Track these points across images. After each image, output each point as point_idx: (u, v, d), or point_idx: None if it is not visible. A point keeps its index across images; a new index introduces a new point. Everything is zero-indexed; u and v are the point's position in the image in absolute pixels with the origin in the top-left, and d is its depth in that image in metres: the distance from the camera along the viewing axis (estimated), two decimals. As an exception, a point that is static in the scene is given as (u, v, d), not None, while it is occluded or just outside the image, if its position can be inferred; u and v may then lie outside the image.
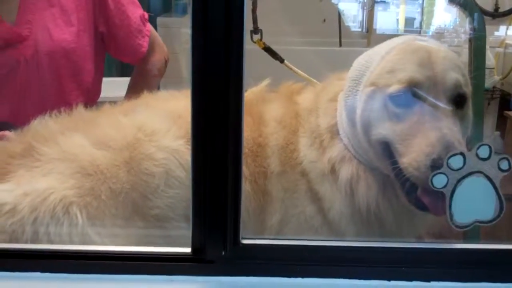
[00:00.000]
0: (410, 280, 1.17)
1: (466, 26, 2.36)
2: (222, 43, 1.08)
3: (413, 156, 1.28)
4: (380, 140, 1.37)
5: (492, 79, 3.16)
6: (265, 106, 1.53)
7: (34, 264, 1.19)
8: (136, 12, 2.10)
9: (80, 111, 1.55)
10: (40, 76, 1.93)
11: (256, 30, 1.91)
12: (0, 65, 1.90)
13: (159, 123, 1.46)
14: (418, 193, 1.32)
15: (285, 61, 1.97)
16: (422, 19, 3.61)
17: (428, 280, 1.17)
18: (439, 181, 1.12)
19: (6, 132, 1.67)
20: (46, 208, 1.31)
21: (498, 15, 3.63)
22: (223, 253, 1.17)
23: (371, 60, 1.42)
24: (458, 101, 1.35)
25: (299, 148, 1.46)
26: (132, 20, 2.07)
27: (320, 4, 3.51)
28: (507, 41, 3.32)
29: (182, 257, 1.20)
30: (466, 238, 1.50)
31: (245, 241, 1.17)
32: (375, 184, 1.41)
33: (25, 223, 1.31)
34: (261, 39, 1.92)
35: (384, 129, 1.36)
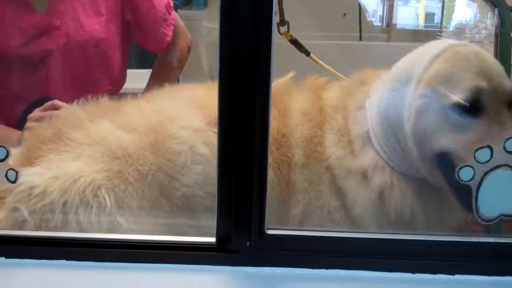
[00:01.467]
0: (435, 273, 1.17)
1: (487, 22, 2.34)
2: (250, 34, 1.09)
3: None
4: (440, 151, 1.35)
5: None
6: (290, 98, 1.53)
7: (62, 252, 1.21)
8: (162, 1, 2.13)
9: (105, 100, 1.57)
10: (71, 65, 1.98)
11: (283, 22, 1.91)
12: (32, 53, 1.93)
13: (182, 109, 1.48)
14: None
15: (311, 54, 1.96)
16: (442, 14, 3.58)
17: (453, 273, 1.17)
18: (465, 174, 1.12)
19: (56, 101, 1.74)
20: (75, 191, 1.33)
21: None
22: (247, 243, 1.17)
23: (414, 67, 1.40)
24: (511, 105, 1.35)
25: (324, 143, 1.46)
26: (157, 9, 2.11)
27: (340, -2, 3.51)
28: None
29: (207, 246, 1.20)
30: (488, 232, 1.50)
31: (270, 232, 1.17)
32: (410, 191, 1.40)
33: (55, 206, 1.32)
34: (288, 31, 1.91)
35: (447, 140, 1.34)
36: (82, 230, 1.31)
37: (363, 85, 1.50)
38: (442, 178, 1.36)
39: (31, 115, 1.76)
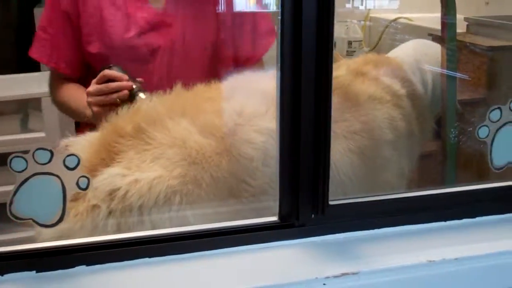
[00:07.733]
0: (460, 218, 1.39)
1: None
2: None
3: None
4: None
5: (361, 51, 3.44)
6: None
7: (135, 251, 1.22)
8: None
9: (180, 91, 1.57)
10: (176, 64, 1.96)
11: None
12: (141, 46, 1.92)
13: (257, 105, 1.52)
14: None
15: None
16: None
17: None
18: (483, 132, 1.35)
19: (106, 71, 1.73)
20: (151, 196, 1.35)
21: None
22: (313, 216, 1.29)
23: None
24: None
25: None
26: None
27: None
28: (371, 15, 3.62)
29: (271, 225, 1.29)
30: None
31: (332, 202, 1.30)
32: None
33: (132, 207, 1.34)
34: None
35: None
36: (154, 228, 1.33)
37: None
38: None
39: (89, 90, 1.73)
